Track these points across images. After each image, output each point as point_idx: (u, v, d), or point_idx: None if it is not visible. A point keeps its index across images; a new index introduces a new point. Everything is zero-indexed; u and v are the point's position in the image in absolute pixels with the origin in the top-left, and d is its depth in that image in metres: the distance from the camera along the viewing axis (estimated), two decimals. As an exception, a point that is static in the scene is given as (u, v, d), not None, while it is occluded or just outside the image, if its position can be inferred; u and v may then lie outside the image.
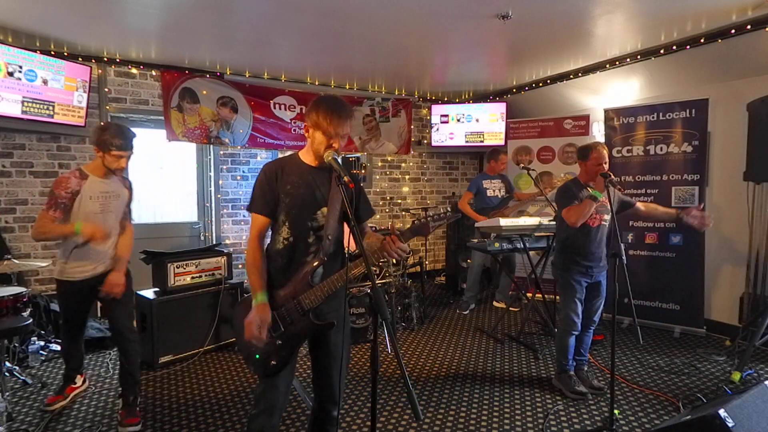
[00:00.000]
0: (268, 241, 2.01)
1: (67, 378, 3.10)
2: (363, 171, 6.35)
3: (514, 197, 5.15)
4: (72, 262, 2.70)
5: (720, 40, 3.86)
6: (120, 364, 2.84)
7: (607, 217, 3.10)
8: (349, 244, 1.74)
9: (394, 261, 4.72)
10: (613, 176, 2.81)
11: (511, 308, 5.02)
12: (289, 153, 2.16)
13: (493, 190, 5.06)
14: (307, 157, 1.95)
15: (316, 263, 1.89)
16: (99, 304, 2.98)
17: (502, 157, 5.11)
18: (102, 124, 2.61)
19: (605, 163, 2.99)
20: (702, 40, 3.96)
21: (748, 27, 3.65)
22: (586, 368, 3.32)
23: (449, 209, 1.92)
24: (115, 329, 2.85)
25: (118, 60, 4.65)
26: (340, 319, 1.98)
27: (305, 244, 1.91)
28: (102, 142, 2.55)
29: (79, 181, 2.61)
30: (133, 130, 2.70)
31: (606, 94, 5.23)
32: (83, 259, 2.70)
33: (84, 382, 3.23)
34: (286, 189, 1.90)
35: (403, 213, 6.63)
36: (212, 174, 5.38)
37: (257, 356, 1.88)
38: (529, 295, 4.67)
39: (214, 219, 5.37)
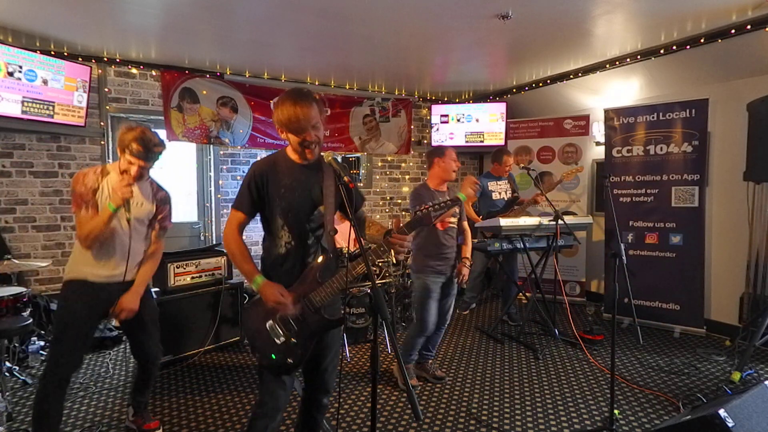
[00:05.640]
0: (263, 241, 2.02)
1: None
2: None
3: (519, 201, 4.80)
4: (92, 259, 2.40)
5: (720, 40, 3.86)
6: (138, 378, 2.69)
7: (455, 219, 3.21)
8: (350, 243, 1.74)
9: (399, 258, 4.63)
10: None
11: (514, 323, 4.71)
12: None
13: (499, 193, 4.74)
14: (293, 155, 1.92)
15: (321, 259, 1.89)
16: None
17: (506, 158, 4.72)
18: (131, 124, 2.49)
19: (455, 161, 3.19)
20: (702, 40, 3.96)
21: (748, 27, 3.65)
22: (431, 362, 3.48)
23: (449, 199, 1.91)
24: (140, 354, 2.64)
25: (118, 60, 4.65)
26: (337, 311, 2.01)
27: (306, 246, 1.91)
28: (122, 141, 2.38)
29: (98, 177, 2.41)
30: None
31: (606, 94, 5.24)
32: (103, 258, 2.40)
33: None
34: (280, 192, 1.86)
35: (403, 213, 6.63)
36: (212, 174, 5.38)
37: (273, 356, 1.86)
38: (528, 294, 4.67)
39: (214, 219, 5.37)
